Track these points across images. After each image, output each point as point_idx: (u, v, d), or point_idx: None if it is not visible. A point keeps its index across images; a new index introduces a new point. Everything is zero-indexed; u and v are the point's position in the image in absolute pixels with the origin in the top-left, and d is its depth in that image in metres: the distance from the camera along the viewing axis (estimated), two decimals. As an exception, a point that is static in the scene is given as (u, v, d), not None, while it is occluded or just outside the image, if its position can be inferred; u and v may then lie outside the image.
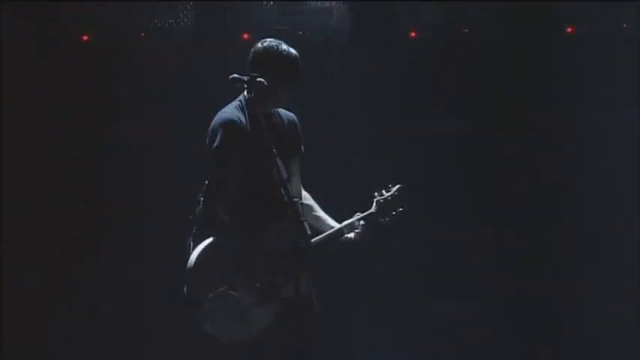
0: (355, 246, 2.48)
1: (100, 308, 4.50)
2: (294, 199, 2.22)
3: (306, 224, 2.27)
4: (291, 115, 2.65)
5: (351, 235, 2.46)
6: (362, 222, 2.47)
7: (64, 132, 4.59)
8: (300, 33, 4.78)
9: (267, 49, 2.44)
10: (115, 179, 4.55)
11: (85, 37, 4.62)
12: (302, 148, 2.65)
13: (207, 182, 2.46)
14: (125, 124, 4.67)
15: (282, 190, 2.20)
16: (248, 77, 2.29)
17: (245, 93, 2.37)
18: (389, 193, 2.49)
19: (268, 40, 2.49)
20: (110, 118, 4.66)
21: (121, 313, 4.47)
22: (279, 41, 2.48)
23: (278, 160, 2.22)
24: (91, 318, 4.46)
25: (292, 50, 2.46)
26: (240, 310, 2.32)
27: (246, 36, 4.60)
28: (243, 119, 2.42)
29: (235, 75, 2.29)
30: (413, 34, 4.87)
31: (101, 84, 4.59)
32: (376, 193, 2.51)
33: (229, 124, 2.39)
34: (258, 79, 2.28)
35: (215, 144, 2.38)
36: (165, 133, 4.66)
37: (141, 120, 4.65)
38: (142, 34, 4.74)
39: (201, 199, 2.46)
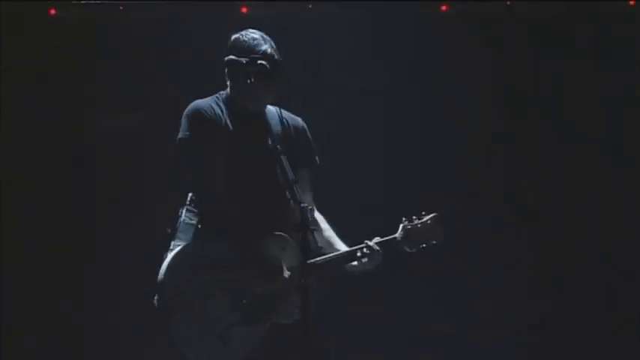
0: (366, 274, 2.20)
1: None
2: (303, 205, 1.92)
3: (316, 235, 2.00)
4: (298, 119, 2.36)
5: (365, 260, 2.14)
6: (380, 248, 2.14)
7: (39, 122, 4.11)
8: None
9: (237, 41, 2.18)
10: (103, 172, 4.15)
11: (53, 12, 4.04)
12: (316, 159, 2.37)
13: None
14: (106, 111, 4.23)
15: (286, 193, 2.08)
16: (248, 59, 2.10)
17: (228, 83, 2.20)
18: (420, 221, 2.20)
19: (245, 31, 2.21)
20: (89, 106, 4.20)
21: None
22: (256, 33, 2.20)
23: (283, 159, 2.09)
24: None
25: (267, 44, 2.17)
26: (218, 328, 2.06)
27: (244, 10, 4.03)
28: (217, 111, 2.17)
29: (232, 57, 2.13)
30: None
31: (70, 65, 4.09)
32: (404, 218, 2.21)
33: (195, 114, 2.16)
34: (260, 62, 2.09)
35: (179, 136, 2.16)
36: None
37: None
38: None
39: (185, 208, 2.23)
